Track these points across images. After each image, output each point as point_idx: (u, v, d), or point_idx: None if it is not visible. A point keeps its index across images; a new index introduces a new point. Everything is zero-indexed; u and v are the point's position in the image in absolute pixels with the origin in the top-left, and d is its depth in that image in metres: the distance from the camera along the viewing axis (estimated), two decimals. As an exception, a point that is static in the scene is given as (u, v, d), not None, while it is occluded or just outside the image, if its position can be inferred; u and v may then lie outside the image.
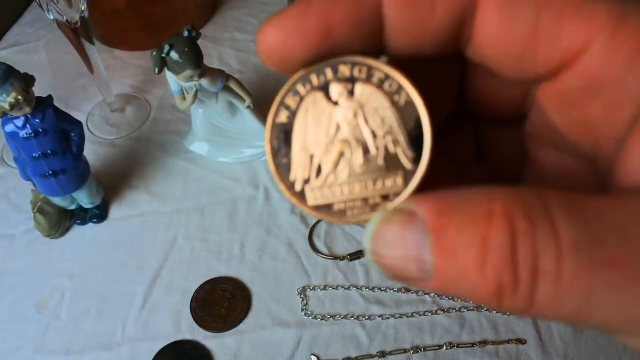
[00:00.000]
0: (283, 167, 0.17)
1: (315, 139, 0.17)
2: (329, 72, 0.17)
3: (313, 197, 0.17)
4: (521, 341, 0.50)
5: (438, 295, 0.52)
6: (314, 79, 0.17)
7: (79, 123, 0.53)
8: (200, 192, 0.61)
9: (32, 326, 0.52)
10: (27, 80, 0.46)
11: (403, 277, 0.15)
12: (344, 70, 0.17)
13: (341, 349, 0.50)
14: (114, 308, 0.53)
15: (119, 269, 0.56)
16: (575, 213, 0.13)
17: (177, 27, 0.51)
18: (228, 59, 0.74)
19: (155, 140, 0.66)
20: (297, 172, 0.17)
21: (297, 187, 0.17)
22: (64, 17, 0.55)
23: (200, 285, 0.54)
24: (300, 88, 0.17)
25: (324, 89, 0.17)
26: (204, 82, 0.53)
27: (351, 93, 0.17)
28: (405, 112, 0.16)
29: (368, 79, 0.17)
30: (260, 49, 0.16)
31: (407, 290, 0.52)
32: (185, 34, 0.50)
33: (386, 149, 0.17)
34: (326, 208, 0.17)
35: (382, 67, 0.17)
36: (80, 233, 0.59)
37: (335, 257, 0.55)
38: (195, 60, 0.50)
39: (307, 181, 0.17)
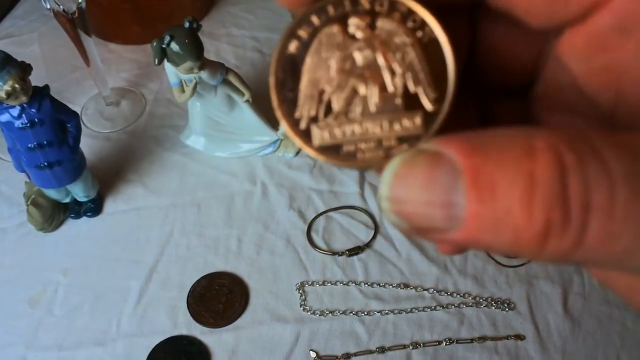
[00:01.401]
0: (288, 103, 0.16)
1: (327, 73, 0.16)
2: (347, 4, 0.16)
3: (320, 136, 0.16)
4: (520, 337, 0.50)
5: (437, 291, 0.52)
6: (331, 10, 0.16)
7: (76, 114, 0.52)
8: (197, 186, 0.60)
9: (24, 322, 0.51)
10: (24, 69, 0.45)
11: (425, 228, 0.13)
12: (364, 2, 0.16)
13: (340, 345, 0.49)
14: (109, 303, 0.52)
15: (113, 264, 0.55)
16: (620, 146, 0.12)
17: (174, 21, 0.50)
18: (225, 54, 0.74)
19: (151, 134, 0.65)
20: (304, 109, 0.16)
21: (302, 125, 0.16)
22: (61, 6, 0.54)
23: (197, 280, 0.53)
24: (314, 19, 0.16)
25: (342, 21, 0.16)
26: (204, 74, 0.52)
27: (370, 27, 0.16)
28: (429, 50, 0.15)
29: (390, 13, 0.15)
30: None
31: (406, 285, 0.52)
32: (187, 25, 0.49)
33: (405, 88, 0.15)
34: (334, 149, 0.16)
35: (405, 1, 0.15)
36: (74, 227, 0.58)
37: (334, 253, 0.54)
38: (196, 52, 0.50)
39: (314, 119, 0.16)
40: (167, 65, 0.52)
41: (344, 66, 0.16)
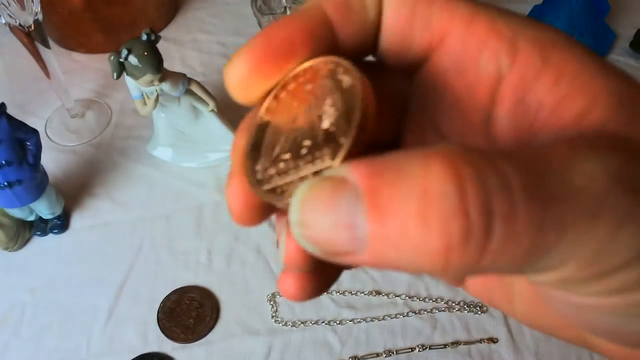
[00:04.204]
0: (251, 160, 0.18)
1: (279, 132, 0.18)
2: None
3: (268, 183, 0.17)
4: (493, 340, 0.50)
5: (409, 297, 0.52)
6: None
7: (35, 131, 0.51)
8: (165, 198, 0.59)
9: (-9, 344, 0.50)
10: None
11: (334, 252, 0.14)
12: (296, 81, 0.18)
13: (313, 356, 0.49)
14: (78, 322, 0.51)
15: (82, 282, 0.54)
16: (513, 156, 0.13)
17: (137, 28, 0.50)
18: (191, 61, 0.72)
19: (117, 146, 0.64)
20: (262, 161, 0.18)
21: (258, 176, 0.18)
22: (17, 20, 0.52)
23: (167, 295, 0.52)
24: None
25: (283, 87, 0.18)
26: (165, 86, 0.51)
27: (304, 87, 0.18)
28: (346, 94, 0.16)
29: (315, 76, 0.17)
30: (227, 87, 0.18)
31: (378, 293, 0.52)
32: (144, 37, 0.48)
33: (326, 131, 0.16)
34: (272, 191, 0.17)
35: (332, 58, 0.17)
36: (40, 245, 0.57)
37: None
38: (155, 64, 0.49)
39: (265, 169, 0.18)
40: (127, 78, 0.51)
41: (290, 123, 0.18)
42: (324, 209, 0.14)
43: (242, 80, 0.17)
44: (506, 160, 0.13)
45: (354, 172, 0.13)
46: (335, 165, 0.15)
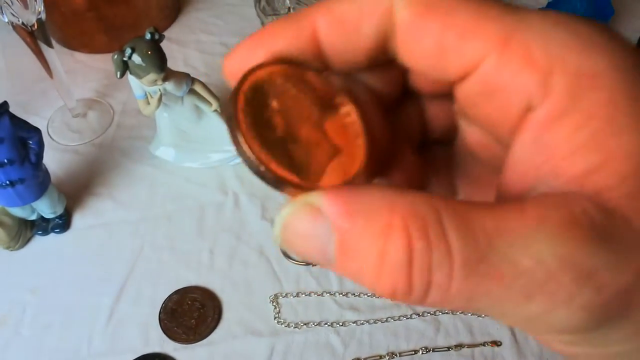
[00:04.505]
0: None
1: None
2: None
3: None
4: (496, 343, 0.49)
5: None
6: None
7: (38, 130, 0.51)
8: (167, 199, 0.59)
9: (-9, 343, 0.50)
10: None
11: (310, 261, 0.17)
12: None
13: (316, 357, 0.49)
14: (79, 322, 0.51)
15: (83, 281, 0.54)
16: (466, 230, 0.15)
17: (140, 29, 0.49)
18: (194, 61, 0.72)
19: (119, 146, 0.64)
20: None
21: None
22: (20, 19, 0.52)
23: (169, 295, 0.52)
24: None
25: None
26: (169, 86, 0.51)
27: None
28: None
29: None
30: (225, 76, 0.19)
31: (381, 294, 0.52)
32: (148, 36, 0.48)
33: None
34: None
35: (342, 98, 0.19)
36: (42, 244, 0.56)
37: (308, 263, 0.54)
38: (158, 63, 0.48)
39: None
40: (130, 77, 0.51)
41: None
42: (302, 237, 0.16)
43: (233, 54, 0.19)
44: (457, 232, 0.15)
45: (330, 207, 0.16)
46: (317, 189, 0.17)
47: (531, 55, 0.16)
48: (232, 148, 0.56)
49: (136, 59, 0.48)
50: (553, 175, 0.16)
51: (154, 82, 0.50)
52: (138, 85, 0.51)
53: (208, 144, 0.59)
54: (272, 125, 0.17)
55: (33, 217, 0.55)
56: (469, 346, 0.49)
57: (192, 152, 0.60)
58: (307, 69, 0.19)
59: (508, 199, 0.17)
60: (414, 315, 0.51)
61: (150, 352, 0.49)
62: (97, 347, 0.50)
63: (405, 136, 0.23)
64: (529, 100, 0.16)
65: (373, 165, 0.18)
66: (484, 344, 0.49)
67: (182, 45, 0.74)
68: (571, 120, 0.15)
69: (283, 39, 0.18)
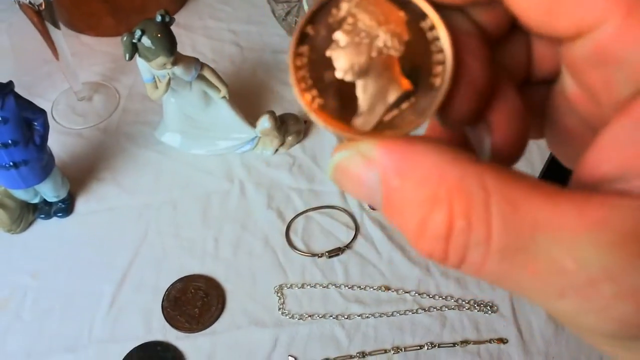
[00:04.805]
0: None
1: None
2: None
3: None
4: (503, 340, 0.49)
5: (419, 294, 0.51)
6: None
7: (43, 111, 0.50)
8: (172, 185, 0.58)
9: (-9, 327, 0.49)
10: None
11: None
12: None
13: (320, 350, 0.48)
14: (80, 308, 0.51)
15: (85, 267, 0.53)
16: (511, 218, 0.14)
17: (148, 12, 0.49)
18: (202, 48, 0.71)
19: (124, 130, 0.63)
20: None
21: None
22: (27, -2, 0.51)
23: (172, 283, 0.52)
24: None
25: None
26: (178, 70, 0.50)
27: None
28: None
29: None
30: None
31: (388, 288, 0.51)
32: (158, 19, 0.47)
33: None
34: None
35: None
36: (44, 228, 0.56)
37: (313, 254, 0.53)
38: (168, 46, 0.48)
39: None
40: (139, 60, 0.50)
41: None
42: (352, 181, 0.16)
43: None
44: (501, 218, 0.14)
45: (382, 160, 0.15)
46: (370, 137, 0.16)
47: None
48: (239, 136, 0.55)
49: (146, 41, 0.47)
50: (622, 170, 0.15)
51: (163, 66, 0.49)
52: (146, 69, 0.51)
53: (215, 131, 0.58)
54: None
55: (36, 200, 0.55)
56: (475, 342, 0.49)
57: (198, 139, 0.59)
58: None
59: (579, 182, 0.16)
60: (420, 310, 0.50)
61: (152, 340, 0.49)
62: (98, 334, 0.49)
63: (509, 75, 0.20)
64: None
65: (465, 105, 0.17)
66: (490, 341, 0.49)
67: (190, 31, 0.73)
68: None
69: None
